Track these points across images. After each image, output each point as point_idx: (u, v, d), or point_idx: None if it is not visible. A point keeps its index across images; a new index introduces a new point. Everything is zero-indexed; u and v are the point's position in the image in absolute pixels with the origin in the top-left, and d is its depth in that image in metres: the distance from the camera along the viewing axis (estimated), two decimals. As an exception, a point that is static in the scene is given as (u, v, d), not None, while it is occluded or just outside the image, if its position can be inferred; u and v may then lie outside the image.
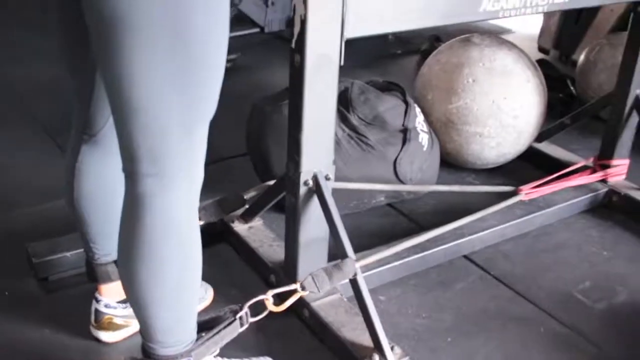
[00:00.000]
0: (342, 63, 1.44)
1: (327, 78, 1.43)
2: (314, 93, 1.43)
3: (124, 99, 1.10)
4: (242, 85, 3.01)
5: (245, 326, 1.39)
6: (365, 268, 1.71)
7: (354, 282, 1.50)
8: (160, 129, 1.12)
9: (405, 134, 2.04)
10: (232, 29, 3.28)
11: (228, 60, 3.21)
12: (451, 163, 2.32)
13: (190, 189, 1.20)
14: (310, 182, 1.52)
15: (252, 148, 2.11)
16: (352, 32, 1.41)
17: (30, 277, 1.76)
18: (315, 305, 1.60)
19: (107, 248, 1.52)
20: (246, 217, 1.88)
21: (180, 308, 1.28)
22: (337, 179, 1.61)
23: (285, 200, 1.61)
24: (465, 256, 1.94)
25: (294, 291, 1.44)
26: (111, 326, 1.57)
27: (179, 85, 1.09)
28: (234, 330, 1.38)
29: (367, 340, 1.50)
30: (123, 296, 1.46)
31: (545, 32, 3.54)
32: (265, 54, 3.07)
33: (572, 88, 2.96)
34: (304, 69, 1.39)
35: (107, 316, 1.57)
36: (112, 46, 1.06)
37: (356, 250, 1.74)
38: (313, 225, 1.57)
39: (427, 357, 1.58)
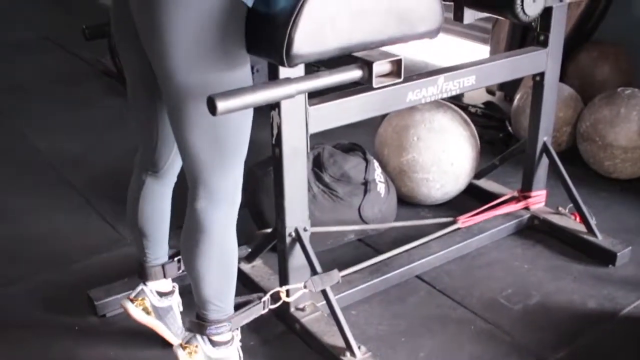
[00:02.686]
0: (308, 150, 2.05)
1: (299, 162, 2.05)
2: (290, 172, 2.04)
3: (184, 148, 1.73)
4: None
5: (266, 310, 2.03)
6: (339, 291, 2.33)
7: (328, 301, 2.11)
8: (207, 169, 1.74)
9: (366, 185, 2.66)
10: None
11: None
12: (408, 202, 2.94)
13: (230, 208, 1.84)
14: (293, 234, 2.13)
15: (249, 204, 2.72)
16: (313, 129, 2.03)
17: (93, 315, 2.37)
18: (304, 320, 2.21)
19: (158, 253, 2.13)
20: (249, 258, 2.49)
21: (219, 285, 1.90)
22: (315, 224, 2.23)
23: (276, 246, 2.23)
24: (417, 276, 2.53)
25: (300, 288, 2.09)
26: (142, 306, 2.13)
27: (215, 146, 1.71)
28: (259, 310, 2.01)
29: (341, 343, 2.10)
30: (164, 290, 2.15)
31: (492, 76, 4.14)
32: (255, 114, 3.68)
33: (509, 128, 3.57)
34: (282, 158, 2.01)
35: (145, 298, 2.14)
36: (178, 113, 1.68)
37: (333, 278, 2.36)
38: (297, 263, 2.18)
39: (386, 352, 2.18)
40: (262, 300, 2.03)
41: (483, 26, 4.74)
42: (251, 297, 2.06)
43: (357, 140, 2.89)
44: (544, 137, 2.72)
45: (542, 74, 2.60)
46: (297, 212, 2.12)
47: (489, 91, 4.11)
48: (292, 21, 1.52)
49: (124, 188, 2.07)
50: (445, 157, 2.81)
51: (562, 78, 2.72)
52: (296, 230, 2.13)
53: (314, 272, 2.15)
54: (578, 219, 2.75)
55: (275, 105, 1.94)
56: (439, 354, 2.20)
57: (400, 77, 1.66)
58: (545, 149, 2.73)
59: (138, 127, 1.99)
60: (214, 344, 1.94)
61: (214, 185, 1.78)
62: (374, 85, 1.62)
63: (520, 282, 2.53)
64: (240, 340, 2.02)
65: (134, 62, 1.83)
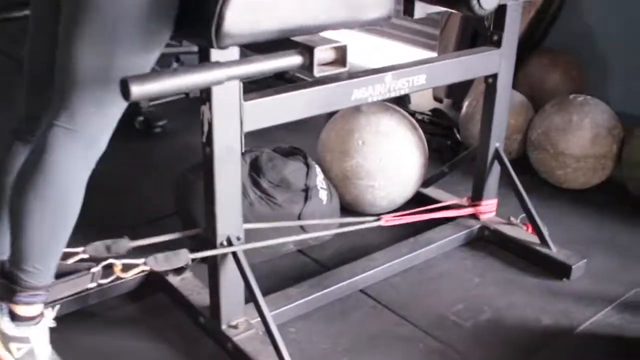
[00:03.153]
0: (242, 151, 1.86)
1: (232, 163, 1.85)
2: (223, 174, 1.84)
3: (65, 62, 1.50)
4: (172, 148, 3.41)
5: (95, 283, 1.76)
6: (277, 306, 2.13)
7: (263, 318, 1.91)
8: (83, 91, 1.51)
9: (307, 192, 2.46)
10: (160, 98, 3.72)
11: (158, 126, 3.60)
12: (351, 210, 2.75)
13: (90, 150, 1.59)
14: (225, 243, 1.93)
15: (181, 210, 2.50)
16: (249, 127, 1.83)
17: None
18: (236, 339, 2.00)
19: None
20: (178, 271, 2.28)
21: (45, 239, 1.59)
22: (252, 234, 2.03)
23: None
24: (361, 290, 2.35)
25: (138, 264, 1.82)
26: None
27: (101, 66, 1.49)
28: (85, 282, 1.74)
29: (278, 365, 1.91)
30: None
31: (439, 82, 4.00)
32: (191, 118, 3.47)
33: (458, 136, 3.43)
34: (213, 159, 1.80)
35: None
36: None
37: (271, 291, 2.17)
38: (230, 276, 1.97)
39: (327, 375, 2.00)
40: (92, 271, 1.75)
41: (430, 32, 4.63)
42: (79, 266, 1.78)
43: (299, 144, 2.70)
44: (496, 143, 2.57)
45: (494, 76, 2.46)
46: (230, 219, 1.92)
47: (436, 98, 3.99)
48: (222, -3, 1.32)
49: None
50: (392, 163, 2.64)
51: (513, 85, 2.58)
52: (228, 239, 1.92)
53: (247, 286, 1.94)
54: (530, 229, 2.61)
55: (205, 99, 1.74)
56: (385, 376, 2.01)
57: (344, 65, 1.48)
58: (497, 155, 2.58)
59: (28, 79, 1.77)
60: (14, 317, 1.63)
61: (82, 113, 1.54)
62: (315, 74, 1.43)
63: (471, 296, 2.37)
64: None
65: (44, 16, 1.65)
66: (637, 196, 2.94)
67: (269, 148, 2.58)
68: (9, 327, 1.62)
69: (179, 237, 2.09)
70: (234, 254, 1.93)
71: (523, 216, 2.62)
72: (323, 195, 2.51)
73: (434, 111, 3.74)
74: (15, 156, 1.78)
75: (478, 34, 3.61)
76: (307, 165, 2.52)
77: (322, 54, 1.43)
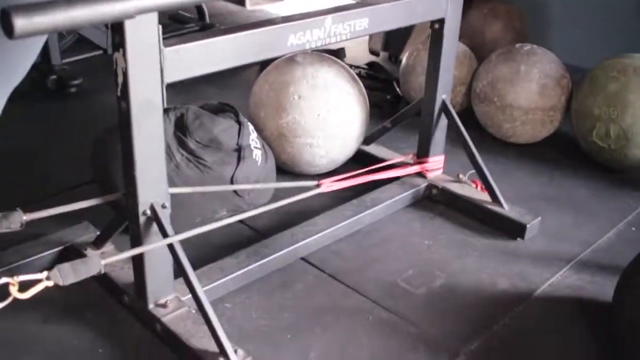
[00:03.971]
0: (165, 105, 1.61)
1: (153, 119, 1.60)
2: (142, 134, 1.59)
3: None
4: (89, 110, 3.12)
5: None
6: (210, 280, 1.91)
7: (194, 295, 1.68)
8: None
9: (240, 152, 2.23)
10: (74, 53, 3.44)
11: (73, 85, 3.32)
12: (288, 171, 2.54)
13: None
14: (149, 212, 1.68)
15: (98, 177, 2.24)
16: (171, 78, 1.58)
17: None
18: (165, 319, 1.77)
19: None
20: (97, 244, 2.03)
21: None
22: (178, 199, 1.79)
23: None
24: (302, 258, 2.14)
25: (40, 280, 1.50)
26: None
27: None
28: None
29: (213, 347, 1.68)
30: None
31: (375, 35, 3.80)
32: (109, 76, 3.19)
33: (398, 89, 3.23)
34: (130, 115, 1.55)
35: None
36: None
37: (204, 262, 1.95)
38: (156, 249, 1.74)
39: (269, 354, 1.78)
40: None
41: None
42: None
43: (229, 100, 2.45)
44: (443, 94, 2.38)
45: (441, 21, 2.26)
46: (153, 185, 1.67)
47: (373, 51, 3.81)
48: None
49: None
50: (331, 118, 2.42)
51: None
52: (152, 207, 1.68)
53: (175, 258, 1.71)
54: (480, 187, 2.44)
55: (119, 45, 1.48)
56: (333, 353, 1.81)
57: (283, -2, 1.24)
58: (444, 108, 2.40)
59: None
60: None
61: None
62: (247, 7, 1.19)
63: (422, 261, 2.18)
64: (85, 347, 1.55)
65: None
66: (586, 149, 2.79)
67: (196, 105, 2.33)
68: None
69: (86, 206, 1.81)
70: (159, 223, 1.68)
71: (472, 172, 2.45)
72: (257, 155, 2.28)
73: (371, 65, 3.55)
74: None
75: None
76: (239, 123, 2.28)
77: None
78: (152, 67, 1.54)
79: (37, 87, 3.23)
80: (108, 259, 1.59)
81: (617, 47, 3.03)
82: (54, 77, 3.24)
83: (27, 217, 1.66)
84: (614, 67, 2.67)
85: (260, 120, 2.47)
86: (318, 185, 2.13)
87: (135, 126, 1.57)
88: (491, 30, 3.43)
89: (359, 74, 3.31)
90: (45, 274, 1.50)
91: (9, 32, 0.97)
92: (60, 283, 1.52)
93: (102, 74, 3.24)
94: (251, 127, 2.34)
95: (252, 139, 2.30)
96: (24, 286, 1.47)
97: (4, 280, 1.46)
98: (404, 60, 3.15)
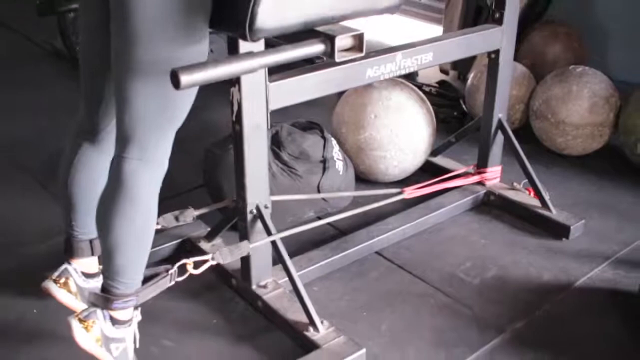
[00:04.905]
0: (269, 127, 2.05)
1: (259, 138, 2.05)
2: (251, 150, 2.04)
3: (126, 104, 1.69)
4: (195, 126, 3.59)
5: (173, 282, 1.97)
6: (301, 268, 2.34)
7: (291, 278, 2.12)
8: (147, 127, 1.72)
9: (325, 163, 2.67)
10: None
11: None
12: (365, 179, 2.96)
13: (159, 171, 1.81)
14: (255, 211, 2.13)
15: (208, 182, 2.71)
16: (274, 106, 2.03)
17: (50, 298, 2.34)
18: (266, 297, 2.22)
19: (86, 228, 2.05)
20: (209, 237, 2.48)
21: (135, 254, 1.83)
22: (275, 203, 2.23)
23: (237, 223, 2.22)
24: (377, 252, 2.56)
25: (207, 261, 2.03)
26: (66, 286, 2.06)
27: (161, 106, 1.70)
28: (165, 283, 1.95)
29: (305, 319, 2.12)
30: (89, 271, 2.08)
31: (445, 55, 4.17)
32: (209, 96, 3.66)
33: (464, 106, 3.61)
34: (242, 135, 2.00)
35: (69, 278, 2.06)
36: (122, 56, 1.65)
37: (294, 255, 2.37)
38: (259, 241, 2.18)
39: (348, 326, 2.19)
40: (170, 272, 1.97)
41: (436, 6, 4.80)
42: (158, 270, 1.99)
43: (314, 118, 2.89)
44: (499, 114, 2.76)
45: (497, 52, 2.64)
46: (258, 189, 2.12)
47: (443, 70, 4.17)
48: (254, -6, 1.52)
49: None
50: (402, 134, 2.84)
51: (515, 57, 2.76)
52: (257, 207, 2.13)
53: (276, 249, 2.15)
54: (532, 194, 2.80)
55: (235, 82, 1.93)
56: (400, 327, 2.22)
57: (362, 51, 1.67)
58: (500, 125, 2.77)
59: (84, 87, 1.96)
60: (114, 322, 1.86)
61: (150, 145, 1.76)
62: (336, 60, 1.62)
63: (478, 256, 2.57)
64: (202, 319, 2.00)
65: (94, 22, 1.80)
66: (633, 161, 3.12)
67: (288, 123, 2.78)
68: (110, 330, 1.84)
69: (223, 206, 2.39)
70: (262, 220, 2.13)
71: (525, 182, 2.82)
72: (339, 165, 2.71)
73: (441, 83, 3.93)
74: (79, 151, 1.99)
75: (482, 8, 3.79)
76: (324, 138, 2.72)
77: (342, 41, 1.62)
78: (259, 98, 1.98)
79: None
80: (255, 243, 2.08)
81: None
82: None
83: (196, 212, 2.20)
84: (657, 88, 3.00)
85: (342, 135, 2.91)
86: (401, 192, 2.56)
87: (246, 144, 2.02)
88: (552, 51, 3.76)
89: (429, 92, 3.73)
90: (210, 255, 2.00)
91: (176, 85, 1.42)
92: (221, 262, 2.03)
93: (203, 94, 3.70)
94: (334, 142, 2.77)
95: (335, 152, 2.73)
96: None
97: (183, 261, 1.97)
98: (469, 81, 3.53)
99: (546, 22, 3.86)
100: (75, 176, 2.00)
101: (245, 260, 2.23)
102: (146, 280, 1.92)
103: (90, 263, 2.10)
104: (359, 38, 1.65)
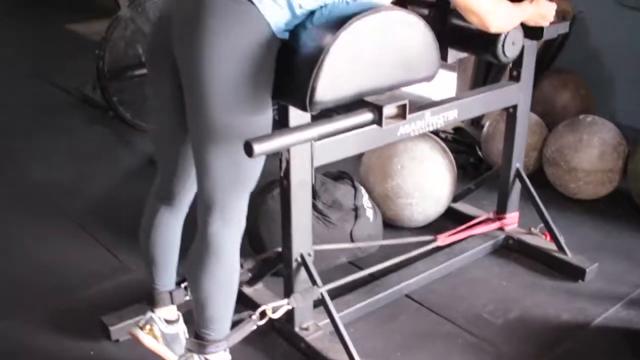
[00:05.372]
0: (313, 182, 2.25)
1: (305, 193, 2.24)
2: (297, 202, 2.23)
3: (206, 174, 1.90)
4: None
5: (256, 326, 2.20)
6: (339, 310, 2.51)
7: (333, 321, 2.30)
8: (226, 192, 1.93)
9: (356, 211, 2.86)
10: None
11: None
12: (392, 225, 3.15)
13: (239, 230, 2.02)
14: (299, 259, 2.32)
15: (248, 231, 2.89)
16: (318, 163, 2.22)
17: (106, 340, 2.51)
18: (308, 339, 2.40)
19: (166, 281, 2.28)
20: (251, 283, 2.67)
21: (223, 305, 2.05)
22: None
23: (281, 270, 2.41)
24: (406, 295, 2.74)
25: (284, 305, 2.26)
26: (151, 332, 2.26)
27: (236, 173, 1.90)
28: (250, 327, 2.19)
29: (345, 359, 2.29)
30: (170, 318, 2.29)
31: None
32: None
33: (480, 153, 3.81)
34: (290, 190, 2.20)
35: (154, 325, 2.26)
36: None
37: (331, 297, 2.55)
38: (302, 286, 2.36)
39: (384, 366, 2.39)
40: (253, 318, 2.20)
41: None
42: (242, 315, 2.23)
43: (343, 168, 3.09)
44: (517, 163, 2.96)
45: (515, 106, 2.84)
46: (302, 239, 2.31)
47: (457, 117, 4.35)
48: (314, 73, 1.72)
49: (120, 216, 2.19)
50: (427, 183, 3.04)
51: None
52: (302, 256, 2.31)
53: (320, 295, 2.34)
54: (549, 238, 2.99)
55: (284, 142, 2.13)
56: (433, 366, 2.41)
57: (405, 118, 1.87)
58: (518, 174, 2.97)
59: (160, 156, 2.17)
60: None
61: (229, 208, 1.96)
62: (383, 127, 1.83)
63: (500, 297, 2.75)
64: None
65: (165, 93, 1.99)
66: (641, 205, 3.32)
67: (320, 173, 2.98)
68: None
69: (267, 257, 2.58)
70: (306, 267, 2.32)
71: (542, 226, 3.01)
72: (369, 213, 2.90)
73: (457, 130, 4.12)
74: (157, 214, 2.20)
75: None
76: (354, 187, 2.92)
77: (389, 110, 1.83)
78: (305, 157, 2.18)
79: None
80: (323, 288, 2.31)
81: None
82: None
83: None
84: (663, 137, 3.21)
85: (370, 184, 3.11)
86: (435, 240, 2.75)
87: (292, 198, 2.22)
88: (561, 99, 3.96)
89: (445, 138, 3.92)
90: (286, 300, 2.23)
91: (250, 154, 1.62)
92: (296, 306, 2.27)
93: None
94: (363, 190, 2.97)
95: (365, 200, 2.93)
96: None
97: (263, 307, 2.20)
98: (484, 129, 3.73)
99: (555, 70, 4.07)
100: (155, 238, 2.21)
101: (289, 304, 2.41)
102: (233, 325, 2.15)
103: (171, 311, 2.32)
104: (403, 107, 1.85)
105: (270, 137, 1.66)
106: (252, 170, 1.95)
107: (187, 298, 2.30)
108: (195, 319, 2.10)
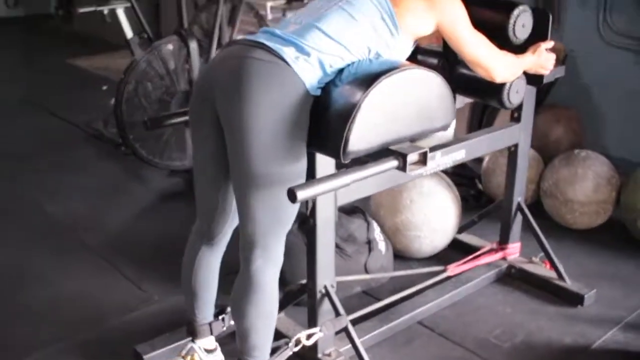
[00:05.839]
0: (336, 220, 2.45)
1: (329, 229, 2.44)
2: (322, 239, 2.43)
3: (249, 218, 2.11)
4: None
5: (292, 352, 2.40)
6: (358, 337, 2.70)
7: (355, 348, 2.49)
8: (267, 234, 2.14)
9: (370, 244, 3.06)
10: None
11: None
12: (401, 256, 3.35)
13: (278, 266, 2.23)
14: (323, 290, 2.51)
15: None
16: (341, 202, 2.43)
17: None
18: (331, 365, 2.60)
19: (206, 314, 2.48)
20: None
21: (264, 333, 2.26)
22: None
23: (306, 300, 2.60)
24: (418, 322, 2.93)
25: (317, 333, 2.45)
26: None
27: (275, 216, 2.12)
28: (287, 353, 2.39)
29: (366, 383, 2.49)
30: (209, 348, 2.48)
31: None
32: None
33: (480, 185, 4.03)
34: (316, 227, 2.40)
35: (195, 354, 2.48)
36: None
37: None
38: (326, 315, 2.55)
39: (400, 390, 2.58)
40: (289, 345, 2.41)
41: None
42: (279, 343, 2.45)
43: (355, 202, 3.28)
44: (518, 197, 3.17)
45: (516, 145, 3.06)
46: (326, 272, 2.50)
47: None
48: (347, 126, 1.93)
49: (141, 249, 2.35)
50: (434, 216, 3.24)
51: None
52: (325, 287, 2.51)
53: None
54: (549, 266, 3.19)
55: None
56: (447, 388, 2.60)
57: (425, 164, 2.08)
58: (519, 207, 3.18)
59: (201, 200, 2.35)
60: None
61: (270, 247, 2.18)
62: (407, 172, 2.03)
63: (506, 323, 2.95)
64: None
65: (207, 140, 2.19)
66: (634, 234, 3.53)
67: (335, 208, 3.18)
68: None
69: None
70: (329, 297, 2.51)
71: (542, 255, 3.22)
72: (382, 246, 3.11)
73: (457, 165, 4.33)
74: (199, 253, 2.41)
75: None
76: (367, 222, 3.12)
77: (412, 158, 2.04)
78: (330, 197, 2.38)
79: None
80: (348, 317, 2.52)
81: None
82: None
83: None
84: (652, 170, 3.44)
85: (381, 218, 3.31)
86: (445, 270, 2.96)
87: (318, 235, 2.42)
88: (555, 133, 4.18)
89: (447, 172, 4.13)
90: (318, 328, 2.43)
91: (293, 200, 1.83)
92: (327, 333, 2.46)
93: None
94: (375, 224, 3.17)
95: (377, 233, 3.13)
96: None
97: (298, 335, 2.40)
98: (484, 163, 3.95)
99: (549, 106, 4.30)
100: (197, 275, 2.42)
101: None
102: (272, 352, 2.35)
103: (210, 341, 2.52)
104: (424, 154, 2.06)
105: (311, 184, 1.86)
106: (290, 213, 2.15)
107: (225, 329, 2.49)
108: (239, 347, 2.30)
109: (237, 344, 2.31)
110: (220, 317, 2.54)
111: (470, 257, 3.17)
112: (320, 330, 2.45)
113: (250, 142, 1.98)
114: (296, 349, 2.42)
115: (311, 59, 2.05)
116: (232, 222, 2.32)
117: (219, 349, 2.55)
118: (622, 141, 4.22)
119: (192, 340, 2.49)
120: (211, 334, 2.51)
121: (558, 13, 4.33)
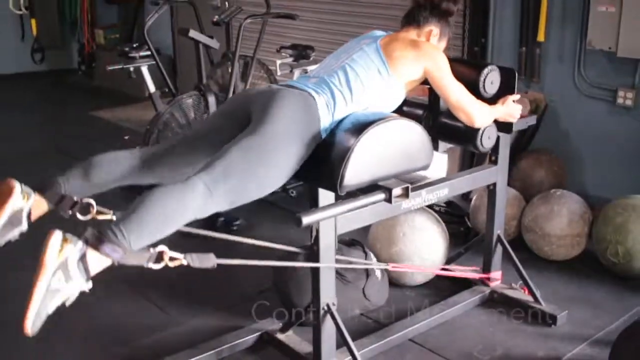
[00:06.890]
0: (336, 247, 2.88)
1: (329, 255, 2.87)
2: (324, 263, 2.86)
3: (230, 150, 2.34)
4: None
5: (150, 263, 2.13)
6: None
7: (354, 358, 2.90)
8: (231, 174, 2.29)
9: (367, 272, 3.49)
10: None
11: (235, 225, 4.60)
12: (395, 283, 3.77)
13: (211, 205, 2.23)
14: (326, 308, 2.93)
15: (278, 288, 3.51)
16: (340, 231, 2.86)
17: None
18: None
19: (72, 192, 2.33)
20: (283, 330, 3.27)
21: (153, 219, 2.06)
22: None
23: (307, 320, 3.02)
24: (410, 339, 3.34)
25: (179, 258, 2.20)
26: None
27: (248, 172, 2.34)
28: (143, 259, 2.09)
29: (363, 389, 2.89)
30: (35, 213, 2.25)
31: (449, 179, 5.04)
32: (257, 217, 4.50)
33: (468, 222, 4.46)
34: (319, 253, 2.83)
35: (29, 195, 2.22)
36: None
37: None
38: (329, 331, 2.96)
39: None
40: (150, 252, 2.12)
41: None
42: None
43: (353, 236, 3.70)
44: (498, 230, 3.60)
45: (494, 184, 3.50)
46: (327, 292, 2.92)
47: (448, 192, 5.00)
48: (343, 165, 2.39)
49: (167, 276, 2.64)
50: (424, 248, 3.67)
51: (508, 181, 3.61)
52: (327, 305, 2.93)
53: (342, 336, 2.94)
54: (527, 292, 3.60)
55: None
56: (436, 397, 3.01)
57: (408, 197, 2.54)
58: (499, 240, 3.61)
59: (167, 150, 2.56)
60: (82, 259, 1.96)
61: (222, 190, 2.23)
62: (392, 204, 2.48)
63: (487, 340, 3.35)
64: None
65: (223, 127, 2.60)
66: (604, 264, 3.95)
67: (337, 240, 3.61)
68: (72, 262, 1.92)
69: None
70: (332, 314, 2.93)
71: (521, 282, 3.63)
72: (378, 273, 3.53)
73: (448, 203, 4.76)
74: (123, 158, 2.49)
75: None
76: (365, 253, 3.55)
77: (396, 192, 2.49)
78: (331, 226, 2.81)
79: (210, 226, 4.55)
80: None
81: (634, 182, 4.25)
82: (222, 219, 4.55)
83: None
84: (619, 206, 3.88)
85: (377, 249, 3.74)
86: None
87: (321, 259, 2.84)
88: (537, 175, 4.61)
89: (439, 211, 4.57)
90: (183, 255, 2.19)
91: (298, 224, 2.27)
92: (192, 265, 2.23)
93: (253, 216, 4.53)
94: (372, 255, 3.60)
95: (374, 262, 3.56)
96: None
97: (161, 248, 2.14)
98: (472, 202, 4.38)
99: (531, 151, 4.74)
100: (109, 164, 2.43)
101: (317, 345, 3.01)
102: None
103: (41, 205, 2.27)
104: (407, 189, 2.51)
105: (314, 212, 2.31)
106: (258, 187, 2.38)
107: (67, 214, 2.30)
108: (119, 216, 2.09)
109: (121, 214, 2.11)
110: (82, 201, 2.31)
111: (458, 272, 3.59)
112: (184, 257, 2.18)
113: (268, 129, 2.38)
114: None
115: (327, 102, 2.53)
116: (163, 180, 2.38)
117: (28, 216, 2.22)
118: (598, 180, 4.66)
119: (34, 192, 2.22)
120: (50, 204, 2.25)
121: (539, 68, 4.81)
